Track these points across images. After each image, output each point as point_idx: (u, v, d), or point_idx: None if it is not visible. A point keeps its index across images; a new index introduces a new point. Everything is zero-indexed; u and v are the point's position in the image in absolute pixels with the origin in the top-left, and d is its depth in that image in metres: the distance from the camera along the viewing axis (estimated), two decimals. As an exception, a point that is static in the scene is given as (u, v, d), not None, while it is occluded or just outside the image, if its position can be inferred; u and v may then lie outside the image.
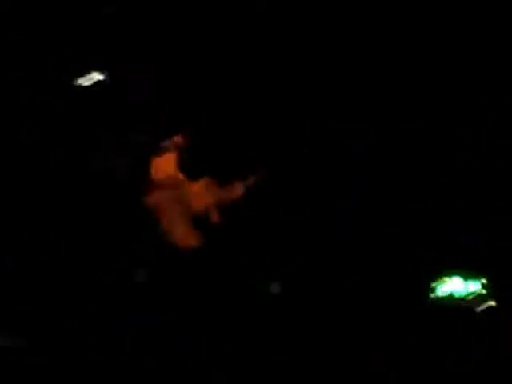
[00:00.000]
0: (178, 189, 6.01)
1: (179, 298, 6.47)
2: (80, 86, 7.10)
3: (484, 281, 6.55)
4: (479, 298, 6.51)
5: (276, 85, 7.11)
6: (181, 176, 5.99)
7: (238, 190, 5.99)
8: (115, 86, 7.14)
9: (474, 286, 6.60)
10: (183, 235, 6.05)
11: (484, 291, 6.56)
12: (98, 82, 7.11)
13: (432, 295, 6.53)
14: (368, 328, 6.38)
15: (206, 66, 7.14)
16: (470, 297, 6.52)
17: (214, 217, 6.16)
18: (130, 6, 7.22)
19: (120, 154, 7.01)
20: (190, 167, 6.07)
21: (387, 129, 6.98)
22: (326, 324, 6.43)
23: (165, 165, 6.05)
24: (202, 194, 6.02)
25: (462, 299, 6.55)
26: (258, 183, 6.17)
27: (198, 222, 6.11)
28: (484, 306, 6.50)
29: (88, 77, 7.10)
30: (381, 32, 7.06)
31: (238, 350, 6.15)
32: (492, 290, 6.49)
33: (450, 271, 6.64)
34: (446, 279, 6.64)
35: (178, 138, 6.22)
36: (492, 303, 6.51)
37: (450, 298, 6.56)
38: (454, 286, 6.64)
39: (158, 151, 6.14)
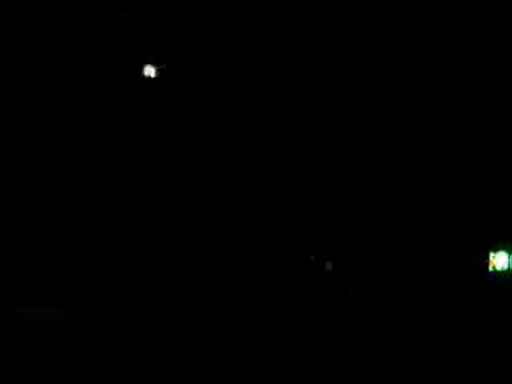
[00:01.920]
0: None
1: (179, 298, 6.48)
2: (80, 86, 7.10)
3: None
4: None
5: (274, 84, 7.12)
6: None
7: None
8: (117, 85, 7.15)
9: None
10: None
11: None
12: (99, 81, 7.11)
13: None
14: (368, 328, 6.38)
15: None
16: None
17: None
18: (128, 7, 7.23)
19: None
20: None
21: (387, 129, 6.98)
22: (326, 324, 6.43)
23: None
24: None
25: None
26: None
27: None
28: None
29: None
30: (381, 32, 7.06)
31: (237, 350, 6.15)
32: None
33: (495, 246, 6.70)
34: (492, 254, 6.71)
35: None
36: None
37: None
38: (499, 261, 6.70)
39: None
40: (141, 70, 7.23)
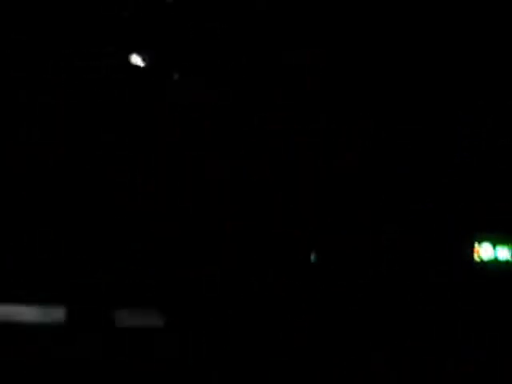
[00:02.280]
0: None
1: (179, 298, 6.48)
2: (80, 86, 7.11)
3: None
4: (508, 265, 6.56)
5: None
6: None
7: None
8: (117, 84, 7.15)
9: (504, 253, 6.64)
10: None
11: None
12: (99, 80, 7.11)
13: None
14: (368, 328, 6.38)
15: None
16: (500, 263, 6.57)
17: None
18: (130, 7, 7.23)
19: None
20: None
21: (387, 129, 6.98)
22: (326, 324, 6.43)
23: None
24: None
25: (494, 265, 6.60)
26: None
27: None
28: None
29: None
30: (381, 32, 7.07)
31: (237, 350, 6.15)
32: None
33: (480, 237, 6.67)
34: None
35: None
36: None
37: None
38: (483, 252, 6.67)
39: None
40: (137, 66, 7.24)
